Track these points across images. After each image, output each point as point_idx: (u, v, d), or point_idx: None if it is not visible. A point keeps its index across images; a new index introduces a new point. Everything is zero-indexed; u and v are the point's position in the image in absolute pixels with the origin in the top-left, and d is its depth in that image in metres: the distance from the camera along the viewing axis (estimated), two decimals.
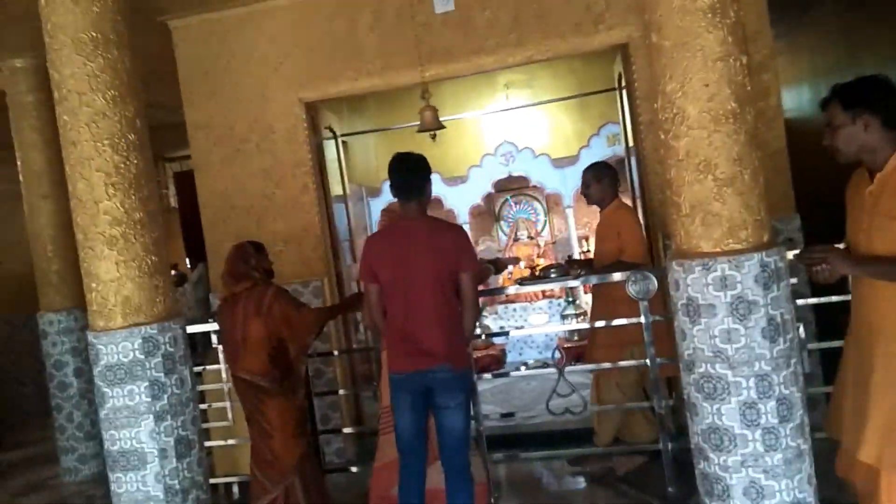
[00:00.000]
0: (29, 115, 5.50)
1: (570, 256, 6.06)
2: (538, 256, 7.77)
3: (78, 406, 5.41)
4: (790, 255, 2.73)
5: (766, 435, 2.64)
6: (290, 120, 4.88)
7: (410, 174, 3.20)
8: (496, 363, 6.70)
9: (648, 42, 2.86)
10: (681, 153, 2.75)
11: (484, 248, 8.11)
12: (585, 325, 4.11)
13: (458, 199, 7.87)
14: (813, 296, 3.67)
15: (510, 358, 7.04)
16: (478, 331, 4.37)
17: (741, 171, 2.68)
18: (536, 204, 8.28)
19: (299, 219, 4.89)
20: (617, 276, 3.76)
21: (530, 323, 7.31)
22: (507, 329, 7.15)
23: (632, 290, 3.60)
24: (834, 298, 3.27)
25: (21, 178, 5.53)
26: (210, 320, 4.04)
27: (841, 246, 2.47)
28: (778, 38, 4.59)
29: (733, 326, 2.65)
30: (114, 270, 3.20)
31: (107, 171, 3.21)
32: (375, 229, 7.47)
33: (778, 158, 4.23)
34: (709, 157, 2.69)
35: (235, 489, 4.40)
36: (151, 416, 3.18)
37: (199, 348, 5.01)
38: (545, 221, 8.23)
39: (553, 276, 4.39)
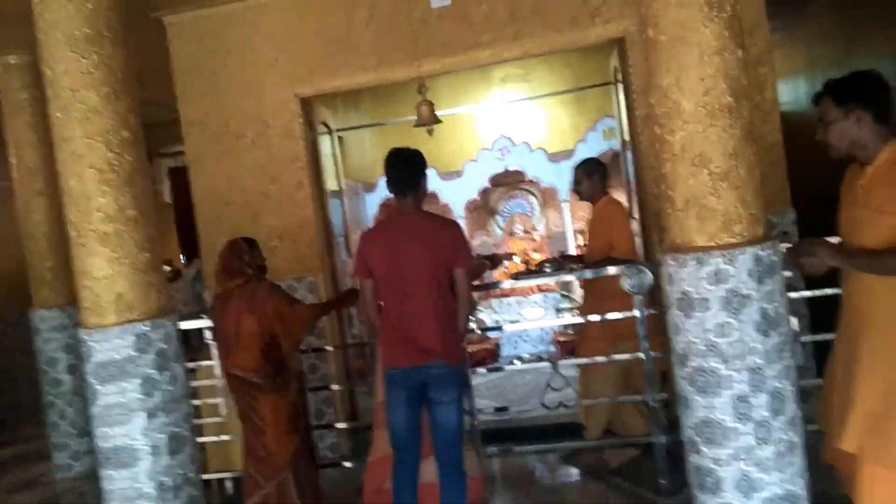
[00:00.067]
0: (23, 112, 5.47)
1: (561, 253, 6.07)
2: (533, 251, 7.77)
3: (71, 403, 5.40)
4: (783, 247, 2.74)
5: (758, 428, 2.65)
6: (285, 115, 4.86)
7: (406, 169, 3.19)
8: (491, 357, 6.71)
9: (644, 36, 2.85)
10: (676, 147, 2.75)
11: (479, 243, 8.11)
12: (579, 320, 4.10)
13: (453, 193, 7.86)
14: (807, 289, 3.68)
15: (505, 352, 7.05)
16: (472, 325, 4.37)
17: (736, 166, 2.68)
18: (532, 198, 8.27)
19: (294, 214, 4.88)
20: (612, 271, 3.76)
21: (525, 317, 7.31)
22: (501, 323, 7.15)
23: (626, 284, 3.60)
24: (828, 291, 3.27)
25: (15, 174, 5.51)
26: (203, 316, 4.03)
27: (835, 240, 2.49)
28: (775, 31, 4.59)
29: (727, 320, 2.65)
30: (106, 267, 3.20)
31: (100, 167, 3.20)
32: (371, 224, 7.50)
33: (773, 152, 4.23)
34: (704, 152, 2.69)
35: (229, 485, 4.40)
36: (144, 413, 3.18)
37: (193, 344, 4.99)
38: (541, 216, 8.22)
39: (548, 270, 4.40)
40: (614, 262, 3.89)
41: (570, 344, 6.15)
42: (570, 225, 7.69)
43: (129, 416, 3.19)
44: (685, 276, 2.72)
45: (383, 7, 4.67)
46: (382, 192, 7.56)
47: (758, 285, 2.63)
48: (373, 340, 3.89)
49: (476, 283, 3.91)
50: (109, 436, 3.21)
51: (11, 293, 7.19)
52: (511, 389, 5.91)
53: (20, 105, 5.48)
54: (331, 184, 5.42)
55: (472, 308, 3.35)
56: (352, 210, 6.51)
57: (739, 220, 2.68)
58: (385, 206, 7.65)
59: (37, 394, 5.56)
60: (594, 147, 7.51)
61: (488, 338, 6.91)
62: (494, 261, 4.79)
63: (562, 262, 4.53)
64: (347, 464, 4.46)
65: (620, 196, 5.05)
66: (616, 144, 6.23)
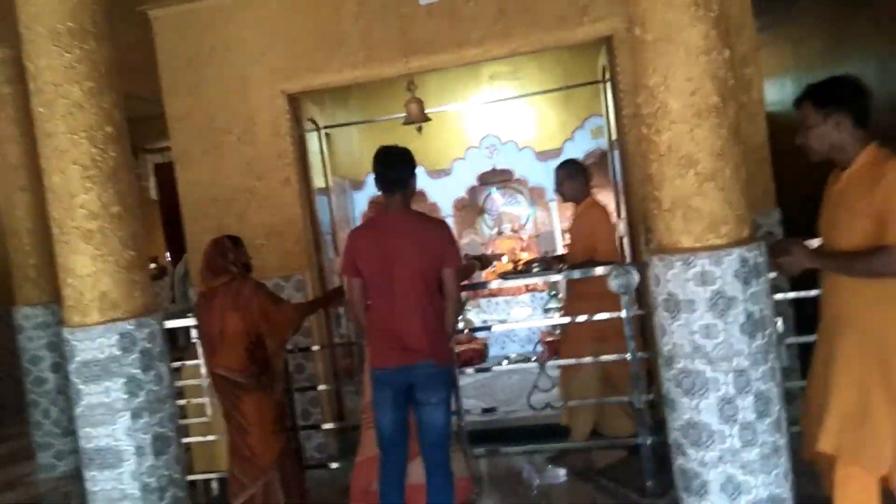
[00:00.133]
0: (6, 107, 5.42)
1: (546, 253, 6.08)
2: (521, 250, 7.77)
3: (55, 402, 5.35)
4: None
5: (744, 430, 2.65)
6: (272, 112, 4.83)
7: (395, 167, 3.17)
8: (478, 357, 6.70)
9: (632, 35, 2.84)
10: (663, 148, 2.74)
11: (468, 242, 8.10)
12: (566, 320, 4.11)
13: (441, 192, 7.85)
14: (792, 290, 3.69)
15: (493, 352, 7.04)
16: (460, 325, 4.37)
17: (723, 166, 2.68)
18: (520, 197, 8.27)
19: (281, 212, 4.84)
20: (599, 271, 3.76)
21: (513, 317, 7.30)
22: (489, 323, 7.14)
23: (613, 284, 3.60)
24: (812, 293, 3.28)
25: None
26: (189, 315, 4.00)
27: (817, 241, 2.54)
28: (761, 30, 4.59)
29: (712, 322, 2.66)
30: (90, 265, 3.16)
31: (83, 163, 3.16)
32: (359, 222, 7.49)
33: (759, 152, 4.24)
34: (691, 152, 2.69)
35: (214, 486, 4.37)
36: (128, 413, 3.15)
37: (179, 343, 4.95)
38: (529, 215, 8.22)
39: (535, 270, 4.40)
40: (595, 265, 3.91)
41: (556, 344, 6.15)
42: (558, 224, 7.69)
43: (113, 417, 3.15)
44: (671, 278, 2.72)
45: (372, 3, 4.64)
46: (370, 189, 7.54)
47: (743, 287, 2.64)
48: (361, 340, 3.86)
49: (464, 282, 3.91)
50: (93, 436, 3.17)
51: None
52: (499, 390, 5.90)
53: (3, 100, 5.42)
54: (318, 181, 5.39)
55: (461, 308, 3.34)
56: (339, 208, 6.49)
57: (726, 221, 2.68)
58: (374, 203, 7.66)
59: (20, 392, 5.50)
60: (582, 146, 7.52)
61: (476, 338, 6.90)
62: (484, 261, 4.79)
63: (550, 262, 4.53)
64: (334, 464, 4.43)
65: (608, 195, 5.06)
66: (604, 143, 6.23)
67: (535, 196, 8.10)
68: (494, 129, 7.76)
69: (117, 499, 3.15)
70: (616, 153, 4.89)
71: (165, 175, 7.86)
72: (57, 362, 5.30)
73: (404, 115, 5.42)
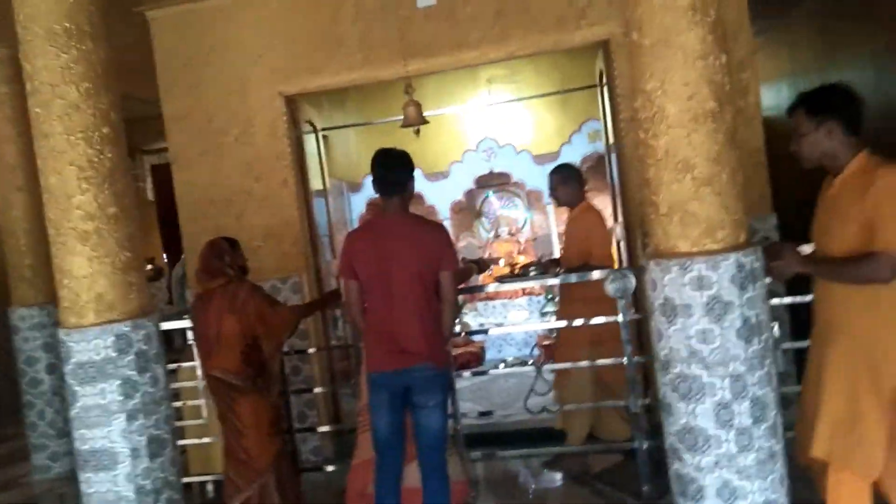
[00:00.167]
0: (3, 106, 5.41)
1: (543, 256, 6.08)
2: (518, 253, 7.77)
3: (50, 403, 5.33)
4: None
5: (740, 436, 2.65)
6: (269, 113, 4.82)
7: (393, 170, 3.17)
8: (475, 360, 6.69)
9: (629, 39, 2.84)
10: (660, 152, 2.74)
11: (465, 245, 8.10)
12: (562, 324, 4.11)
13: (439, 195, 7.85)
14: (788, 295, 3.69)
15: (489, 355, 7.04)
16: (457, 328, 4.36)
17: (720, 171, 2.68)
18: (517, 200, 8.27)
19: (278, 213, 4.84)
20: (596, 275, 3.76)
21: (510, 320, 7.30)
22: (486, 326, 7.15)
23: (610, 288, 3.60)
24: (808, 298, 3.29)
25: None
26: (185, 317, 3.99)
27: (808, 247, 2.58)
28: (758, 34, 4.61)
29: (709, 327, 2.65)
30: (86, 266, 3.15)
31: (80, 164, 3.15)
32: (356, 224, 7.48)
33: (756, 157, 4.25)
34: (687, 157, 2.69)
35: (210, 488, 4.36)
36: (123, 415, 3.13)
37: (175, 345, 4.95)
38: (526, 218, 8.23)
39: (532, 273, 4.40)
40: (590, 269, 3.90)
41: (553, 348, 6.15)
42: (555, 227, 7.70)
43: (108, 418, 3.13)
44: (668, 282, 2.72)
45: (369, 5, 4.64)
46: (368, 191, 7.53)
47: (740, 292, 2.64)
48: (357, 342, 3.86)
49: (461, 286, 3.91)
50: (88, 438, 3.15)
51: None
52: (495, 393, 5.90)
53: (0, 100, 5.40)
54: (315, 183, 5.39)
55: (457, 311, 3.34)
56: (337, 210, 6.48)
57: (722, 226, 2.68)
58: (373, 205, 7.65)
59: (16, 393, 5.48)
60: (579, 149, 7.54)
61: (473, 341, 6.89)
62: (481, 265, 4.79)
63: (547, 266, 4.54)
64: (330, 467, 4.42)
65: (605, 199, 5.06)
66: (601, 147, 6.24)
67: (533, 199, 8.11)
68: (492, 133, 7.76)
69: (112, 501, 3.13)
70: (613, 157, 4.89)
71: (162, 176, 7.85)
72: (52, 363, 5.28)
73: (402, 117, 5.42)
